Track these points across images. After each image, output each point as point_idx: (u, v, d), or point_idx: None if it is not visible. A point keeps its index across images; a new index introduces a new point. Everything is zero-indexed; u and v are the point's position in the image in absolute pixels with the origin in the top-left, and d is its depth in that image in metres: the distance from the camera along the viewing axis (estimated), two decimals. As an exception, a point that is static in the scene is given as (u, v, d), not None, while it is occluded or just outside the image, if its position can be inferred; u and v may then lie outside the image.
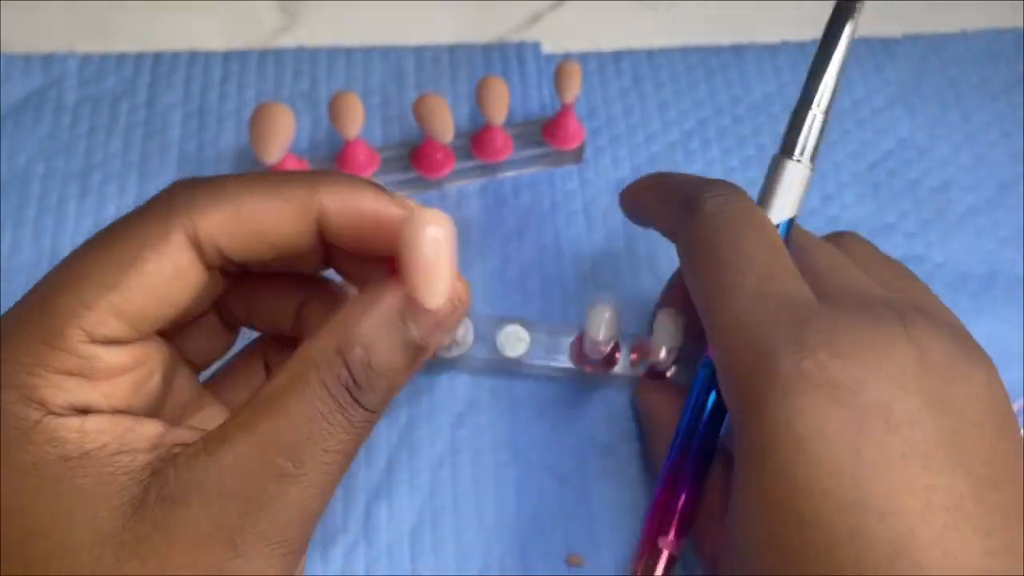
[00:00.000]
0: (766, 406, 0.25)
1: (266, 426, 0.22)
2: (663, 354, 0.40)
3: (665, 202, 0.33)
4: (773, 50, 0.54)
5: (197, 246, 0.24)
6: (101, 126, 0.51)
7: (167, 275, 0.24)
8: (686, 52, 0.54)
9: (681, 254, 0.32)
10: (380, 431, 0.42)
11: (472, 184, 0.49)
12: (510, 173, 0.50)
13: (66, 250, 0.46)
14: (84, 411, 0.22)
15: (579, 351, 0.42)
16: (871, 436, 0.24)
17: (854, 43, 0.55)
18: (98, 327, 0.23)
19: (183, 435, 0.23)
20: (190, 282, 0.24)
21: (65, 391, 0.22)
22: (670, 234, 0.33)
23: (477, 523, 0.40)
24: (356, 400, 0.24)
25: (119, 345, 0.23)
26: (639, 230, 0.48)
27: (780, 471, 0.24)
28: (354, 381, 0.24)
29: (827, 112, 0.34)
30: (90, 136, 0.50)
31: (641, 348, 0.43)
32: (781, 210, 0.33)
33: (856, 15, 0.33)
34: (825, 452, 0.24)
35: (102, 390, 0.23)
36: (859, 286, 0.29)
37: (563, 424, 0.42)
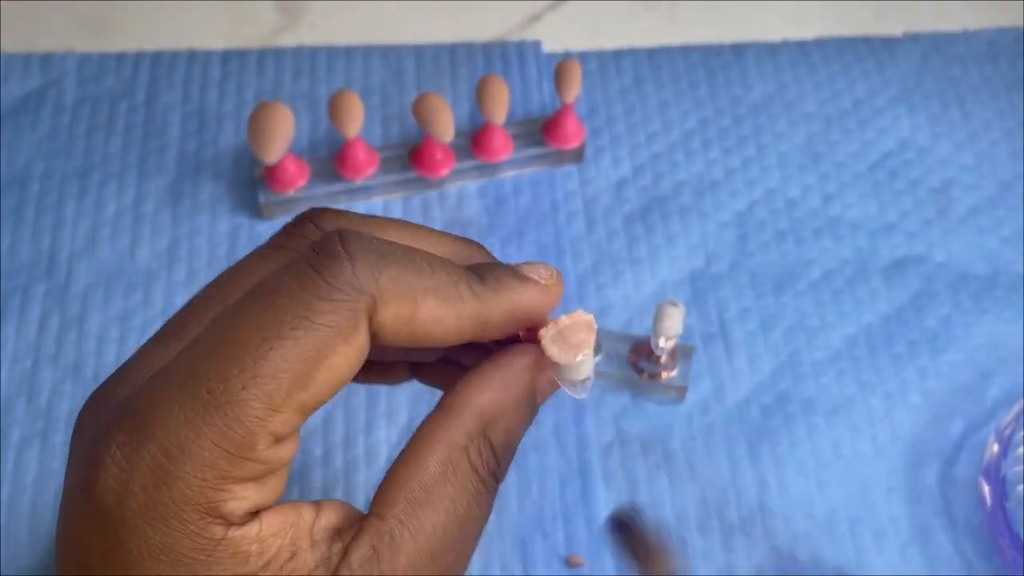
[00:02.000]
0: None
1: (431, 525, 0.22)
2: (662, 342, 0.40)
3: None
4: (774, 49, 0.54)
5: (369, 329, 0.22)
6: (100, 126, 0.50)
7: (352, 366, 0.22)
8: (687, 51, 0.54)
9: None
10: (381, 431, 0.42)
11: (472, 184, 0.49)
12: (510, 173, 0.49)
13: (65, 250, 0.46)
14: (257, 511, 0.21)
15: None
16: None
17: (855, 43, 0.55)
18: (283, 428, 0.21)
19: (329, 517, 0.22)
20: (360, 364, 0.22)
21: (246, 499, 0.21)
22: None
23: (477, 524, 0.40)
24: (495, 479, 0.24)
25: (291, 437, 0.22)
26: (640, 230, 0.48)
27: None
28: (497, 463, 0.24)
29: None
30: (89, 136, 0.50)
31: (641, 348, 0.43)
32: None
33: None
34: None
35: (271, 485, 0.22)
36: None
37: (563, 424, 0.42)
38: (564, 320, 0.24)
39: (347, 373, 0.22)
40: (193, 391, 0.20)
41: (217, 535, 0.20)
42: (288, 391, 0.21)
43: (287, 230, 0.24)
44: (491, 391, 0.24)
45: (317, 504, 0.22)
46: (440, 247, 0.25)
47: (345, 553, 0.22)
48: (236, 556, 0.20)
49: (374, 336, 0.22)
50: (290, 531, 0.21)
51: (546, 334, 0.24)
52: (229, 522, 0.20)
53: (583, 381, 0.25)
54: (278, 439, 0.21)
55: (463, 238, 0.26)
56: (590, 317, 0.25)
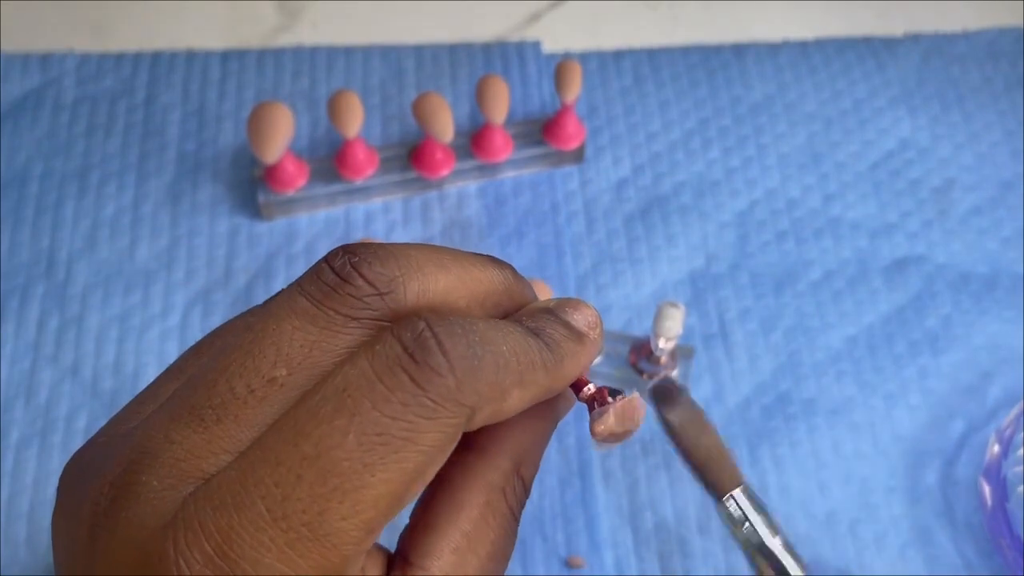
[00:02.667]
0: None
1: (474, 571, 0.22)
2: (662, 343, 0.40)
3: None
4: (774, 49, 0.54)
5: None
6: (99, 125, 0.50)
7: (439, 468, 0.21)
8: (687, 51, 0.54)
9: None
10: (379, 432, 0.42)
11: (472, 184, 0.49)
12: (510, 173, 0.49)
13: (64, 250, 0.46)
14: None
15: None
16: None
17: (855, 43, 0.55)
18: (372, 542, 0.20)
19: (373, 572, 0.22)
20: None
21: None
22: None
23: (477, 524, 0.40)
24: (522, 509, 0.24)
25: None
26: (639, 230, 0.48)
27: None
28: (527, 497, 0.24)
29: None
30: (88, 135, 0.50)
31: (641, 348, 0.43)
32: None
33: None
34: None
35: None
36: None
37: (563, 425, 0.42)
38: (620, 403, 0.24)
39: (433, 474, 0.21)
40: (286, 523, 0.18)
41: None
42: (386, 514, 0.19)
43: (332, 284, 0.21)
44: (524, 431, 0.24)
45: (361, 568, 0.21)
46: (483, 282, 0.23)
47: None
48: None
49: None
50: None
51: (606, 420, 0.24)
52: None
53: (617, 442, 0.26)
54: (367, 549, 0.20)
55: (492, 259, 0.24)
56: (638, 399, 0.24)
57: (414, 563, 0.22)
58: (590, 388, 0.24)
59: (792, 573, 0.32)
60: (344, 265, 0.21)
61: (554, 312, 0.23)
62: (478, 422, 0.21)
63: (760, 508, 0.32)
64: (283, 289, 0.22)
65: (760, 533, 0.32)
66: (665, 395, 0.34)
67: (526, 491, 0.24)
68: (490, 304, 0.24)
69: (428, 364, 0.19)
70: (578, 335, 0.23)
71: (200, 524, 0.18)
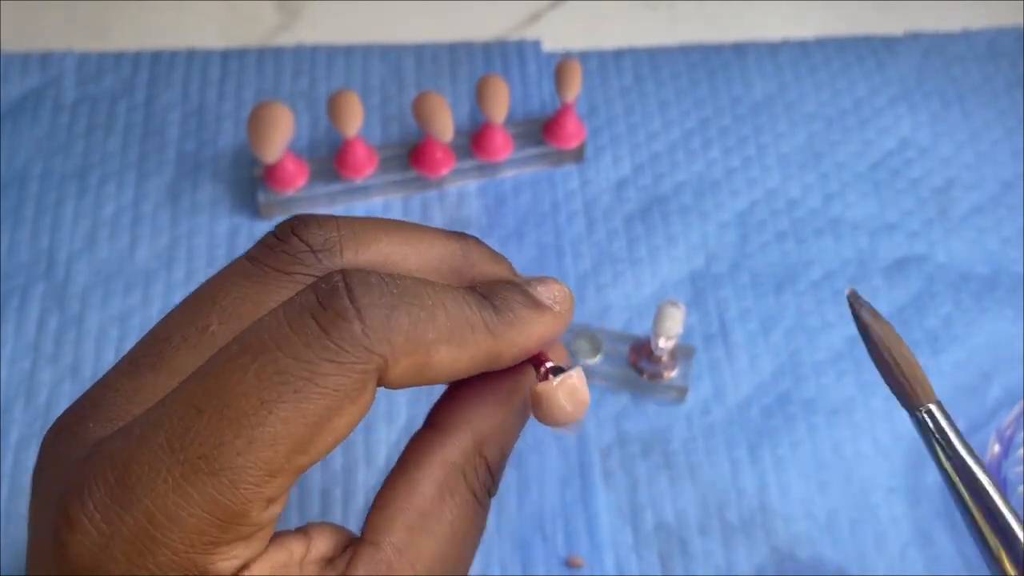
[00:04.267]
0: None
1: (429, 552, 0.22)
2: (663, 343, 0.40)
3: None
4: (774, 49, 0.54)
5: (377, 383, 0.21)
6: (99, 125, 0.50)
7: (355, 424, 0.21)
8: (687, 51, 0.54)
9: None
10: (380, 431, 0.42)
11: (472, 184, 0.49)
12: (510, 173, 0.49)
13: (64, 250, 0.46)
14: (247, 564, 0.20)
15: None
16: None
17: (856, 43, 0.55)
18: (276, 491, 0.20)
19: (320, 548, 0.22)
20: (364, 416, 0.21)
21: (234, 559, 0.20)
22: None
23: (477, 524, 0.40)
24: (489, 495, 0.23)
25: (285, 494, 0.21)
26: (639, 230, 0.48)
27: None
28: (492, 479, 0.23)
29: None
30: (88, 135, 0.50)
31: (641, 348, 0.43)
32: None
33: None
34: None
35: (260, 537, 0.20)
36: None
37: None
38: (574, 377, 0.23)
39: (349, 431, 0.20)
40: (183, 454, 0.19)
41: None
42: (287, 457, 0.19)
43: (269, 244, 0.22)
44: (485, 408, 0.23)
45: (306, 534, 0.22)
46: (435, 247, 0.23)
47: None
48: None
49: (381, 385, 0.21)
50: (280, 572, 0.20)
51: (558, 391, 0.23)
52: None
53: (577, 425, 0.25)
54: (271, 501, 0.20)
55: (457, 233, 0.24)
56: (578, 378, 0.23)
57: (368, 538, 0.22)
58: (548, 365, 0.23)
59: (980, 478, 0.32)
60: (285, 228, 0.22)
61: (516, 283, 0.23)
62: (400, 375, 0.20)
63: (952, 425, 0.33)
64: None
65: (955, 445, 0.33)
66: (866, 308, 0.34)
67: (492, 475, 0.23)
68: (447, 271, 0.23)
69: (334, 309, 0.20)
70: (535, 303, 0.23)
71: (108, 455, 0.19)
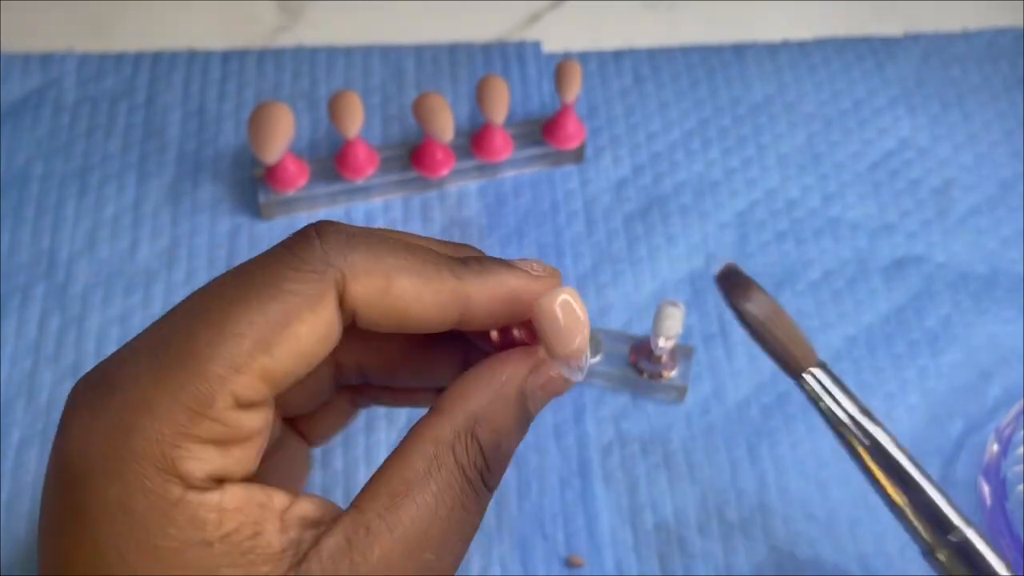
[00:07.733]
0: None
1: (410, 520, 0.22)
2: (662, 342, 0.40)
3: None
4: (774, 49, 0.54)
5: (341, 306, 0.22)
6: (100, 126, 0.50)
7: (318, 337, 0.22)
8: (687, 51, 0.54)
9: None
10: (381, 431, 0.42)
11: (472, 184, 0.49)
12: (510, 173, 0.49)
13: (65, 250, 0.46)
14: (220, 480, 0.21)
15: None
16: None
17: (855, 43, 0.55)
18: (245, 391, 0.21)
19: (305, 507, 0.22)
20: (331, 342, 0.22)
21: (205, 461, 0.21)
22: None
23: (477, 524, 0.40)
24: (485, 484, 0.24)
25: (257, 408, 0.22)
26: (639, 230, 0.48)
27: None
28: (486, 465, 0.23)
29: None
30: (89, 136, 0.50)
31: (641, 348, 0.43)
32: None
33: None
34: None
35: (235, 456, 0.21)
36: None
37: (563, 424, 0.42)
38: (569, 292, 0.24)
39: (314, 345, 0.22)
40: (161, 349, 0.21)
41: (173, 495, 0.20)
42: (250, 352, 0.21)
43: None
44: (480, 390, 0.24)
45: (295, 494, 0.22)
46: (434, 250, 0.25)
47: (317, 541, 0.21)
48: (193, 520, 0.20)
49: (354, 317, 0.23)
50: (256, 510, 0.21)
51: (554, 304, 0.24)
52: (187, 484, 0.20)
53: (582, 360, 0.25)
54: (241, 403, 0.21)
55: (461, 244, 0.26)
56: (575, 292, 0.25)
57: (354, 505, 0.22)
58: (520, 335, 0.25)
59: (872, 433, 0.32)
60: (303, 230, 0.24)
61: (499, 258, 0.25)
62: (360, 294, 0.22)
63: (837, 383, 0.32)
64: None
65: (839, 406, 0.32)
66: (736, 283, 0.35)
67: (486, 460, 0.23)
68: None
69: (301, 235, 0.23)
70: (508, 263, 0.25)
71: (100, 366, 0.22)
